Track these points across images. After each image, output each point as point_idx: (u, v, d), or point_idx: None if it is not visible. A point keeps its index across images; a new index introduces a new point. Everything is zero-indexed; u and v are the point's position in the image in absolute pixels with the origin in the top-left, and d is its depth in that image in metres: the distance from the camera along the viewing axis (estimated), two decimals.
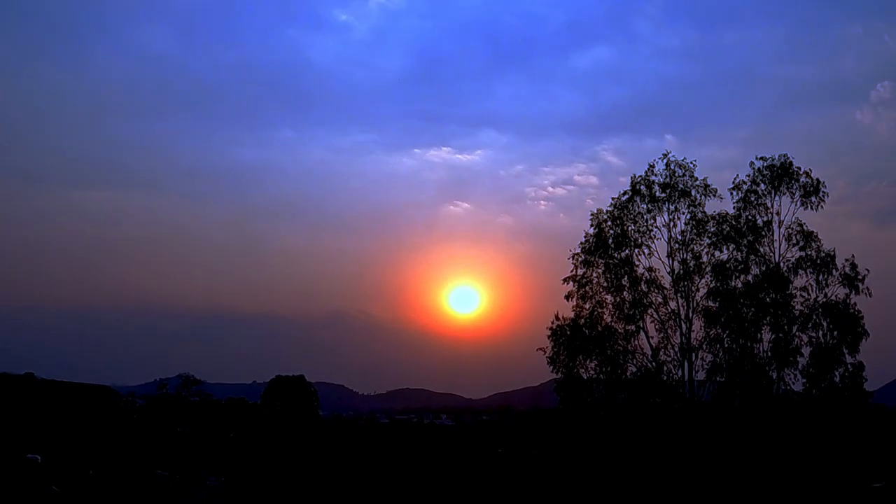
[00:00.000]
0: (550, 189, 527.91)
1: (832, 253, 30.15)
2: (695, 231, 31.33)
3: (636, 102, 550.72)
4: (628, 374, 31.11)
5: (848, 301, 29.81)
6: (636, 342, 31.16)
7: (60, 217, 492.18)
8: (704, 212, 31.38)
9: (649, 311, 31.20)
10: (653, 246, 31.59)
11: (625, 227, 31.69)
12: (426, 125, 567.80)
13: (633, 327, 31.15)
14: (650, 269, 31.46)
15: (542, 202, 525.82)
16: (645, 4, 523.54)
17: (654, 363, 30.90)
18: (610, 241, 31.56)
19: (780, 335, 30.12)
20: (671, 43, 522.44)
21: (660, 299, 31.25)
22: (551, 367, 31.23)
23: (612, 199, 31.95)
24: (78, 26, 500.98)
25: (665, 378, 30.93)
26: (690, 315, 31.02)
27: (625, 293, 31.39)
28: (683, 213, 31.54)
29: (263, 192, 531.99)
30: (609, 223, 31.81)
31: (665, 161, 31.68)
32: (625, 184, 32.22)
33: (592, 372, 31.20)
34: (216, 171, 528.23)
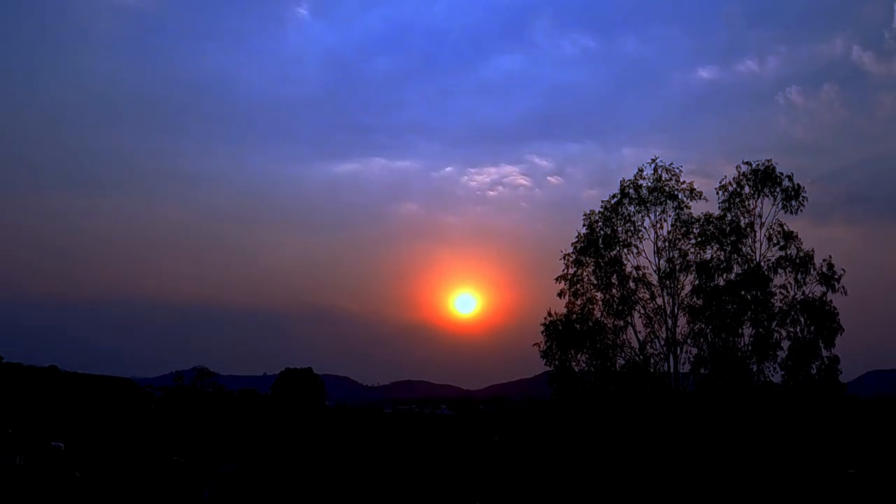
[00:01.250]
0: (479, 192, 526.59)
1: (811, 253, 30.06)
2: (680, 232, 31.29)
3: (550, 109, 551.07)
4: (617, 366, 31.06)
5: (825, 298, 29.72)
6: (625, 336, 31.15)
7: (83, 220, 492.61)
8: (690, 213, 31.36)
9: (637, 308, 31.16)
10: (641, 245, 31.59)
11: (614, 228, 31.63)
12: (356, 135, 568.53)
13: (622, 322, 31.11)
14: (638, 268, 31.43)
15: (478, 204, 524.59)
16: (535, 20, 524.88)
17: (641, 356, 30.84)
18: (600, 241, 31.50)
19: (761, 330, 30.01)
20: (571, 52, 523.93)
21: (647, 296, 31.21)
22: (545, 361, 31.21)
23: (602, 201, 32.00)
24: (32, 51, 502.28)
25: (652, 370, 30.89)
26: (676, 311, 30.97)
27: (614, 290, 31.33)
28: (670, 215, 31.53)
29: (219, 196, 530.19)
30: (600, 224, 31.75)
31: (653, 165, 31.69)
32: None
33: (583, 365, 31.17)
34: (179, 177, 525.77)
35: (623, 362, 31.02)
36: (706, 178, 31.75)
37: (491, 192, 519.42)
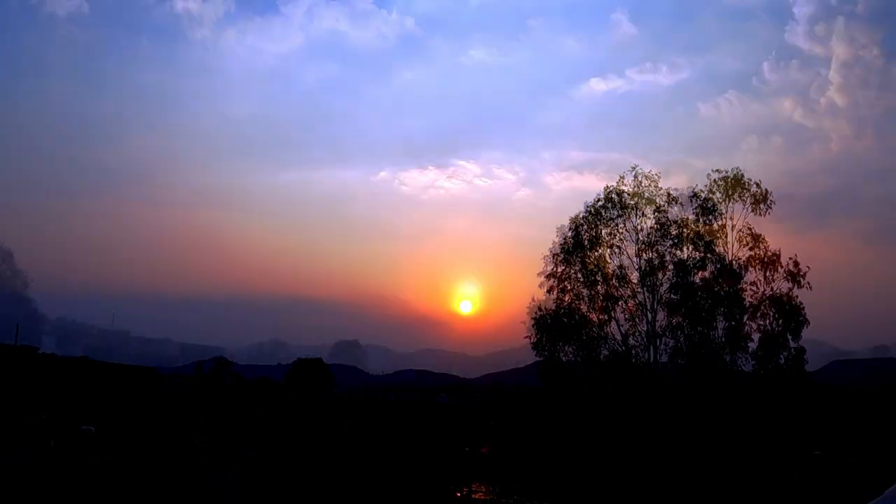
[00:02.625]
0: (412, 197, 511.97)
1: (777, 252, 30.34)
2: (659, 234, 31.51)
3: (464, 118, 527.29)
4: (602, 357, 31.25)
5: (791, 294, 29.95)
6: (608, 329, 31.39)
7: (112, 220, 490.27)
8: (668, 217, 31.59)
9: (620, 303, 31.38)
10: (623, 246, 31.86)
11: (598, 231, 31.86)
12: (294, 149, 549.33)
13: (606, 317, 31.33)
14: (620, 267, 31.67)
15: (414, 207, 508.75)
16: (431, 37, 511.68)
17: (624, 348, 31.03)
18: (585, 242, 31.74)
19: (733, 323, 30.24)
20: (471, 66, 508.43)
21: (629, 293, 31.48)
22: (535, 352, 31.37)
23: (586, 204, 32.24)
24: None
25: (634, 360, 31.07)
26: (655, 306, 31.19)
27: (598, 287, 31.55)
28: (649, 219, 31.79)
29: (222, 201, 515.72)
30: (585, 227, 31.96)
31: (633, 173, 31.96)
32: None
33: (571, 355, 31.36)
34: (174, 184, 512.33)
35: (607, 353, 31.23)
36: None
37: (424, 196, 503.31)
